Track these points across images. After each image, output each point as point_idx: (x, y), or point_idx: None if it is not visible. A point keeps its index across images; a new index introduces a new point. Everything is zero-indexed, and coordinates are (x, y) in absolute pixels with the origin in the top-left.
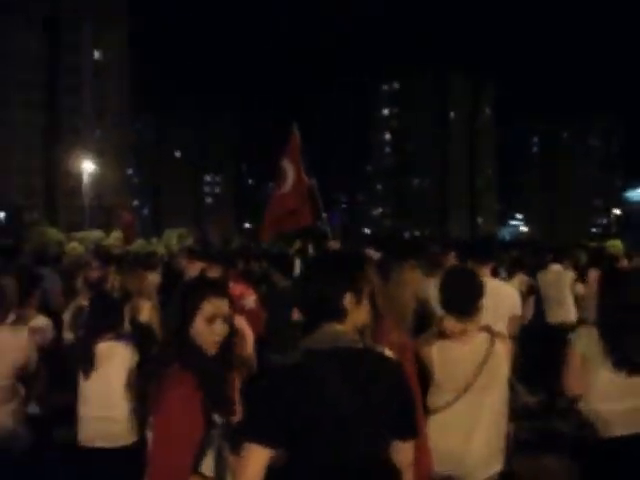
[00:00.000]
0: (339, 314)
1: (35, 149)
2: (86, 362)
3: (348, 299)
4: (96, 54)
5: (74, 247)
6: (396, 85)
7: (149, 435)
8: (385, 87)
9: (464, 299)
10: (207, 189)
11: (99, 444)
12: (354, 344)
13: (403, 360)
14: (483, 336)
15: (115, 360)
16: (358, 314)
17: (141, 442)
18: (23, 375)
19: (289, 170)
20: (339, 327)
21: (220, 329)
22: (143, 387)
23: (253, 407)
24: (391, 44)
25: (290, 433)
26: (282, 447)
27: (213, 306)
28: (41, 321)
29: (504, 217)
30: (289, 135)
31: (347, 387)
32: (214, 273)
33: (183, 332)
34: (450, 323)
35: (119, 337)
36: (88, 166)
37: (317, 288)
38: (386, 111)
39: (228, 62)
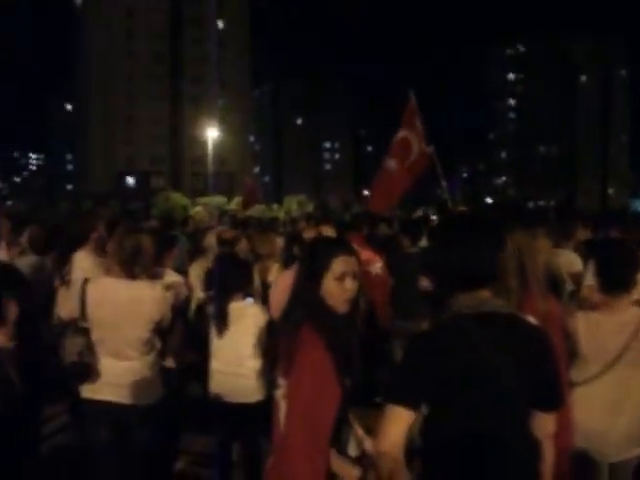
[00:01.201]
0: (488, 279)
1: (161, 118)
2: (219, 321)
3: (498, 263)
4: (220, 24)
5: (198, 212)
6: (521, 49)
7: (278, 394)
8: (510, 51)
9: (622, 272)
10: (326, 155)
11: (228, 399)
12: (502, 309)
13: (549, 329)
14: (635, 310)
15: (246, 319)
16: (506, 279)
17: (269, 400)
18: (160, 330)
19: (412, 140)
20: (486, 292)
21: (351, 286)
22: (272, 347)
23: (399, 369)
24: (516, 7)
25: (434, 396)
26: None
27: (343, 263)
28: (175, 279)
29: (638, 188)
30: (407, 103)
31: (496, 352)
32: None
33: (312, 292)
34: (600, 295)
35: (250, 297)
36: (212, 134)
37: (464, 253)
38: (511, 76)
39: (347, 28)
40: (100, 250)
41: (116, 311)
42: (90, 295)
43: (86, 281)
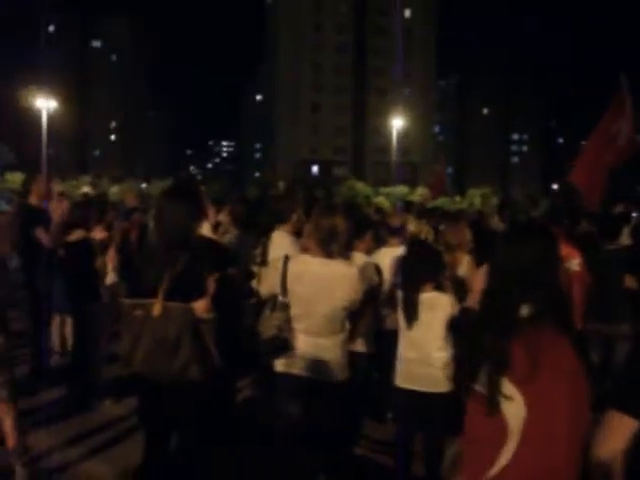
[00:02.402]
0: None
1: (345, 108)
2: (409, 310)
3: None
4: (406, 13)
5: (381, 201)
6: None
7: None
8: None
9: None
10: (514, 147)
11: (416, 387)
12: None
13: None
14: None
15: (437, 310)
16: None
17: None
18: (351, 311)
19: (620, 127)
20: None
21: None
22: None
23: (626, 374)
24: None
25: None
26: None
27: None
28: (365, 264)
29: None
30: (616, 91)
31: None
32: None
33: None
34: None
35: (440, 288)
36: (396, 123)
37: None
38: None
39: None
40: (297, 230)
41: (313, 288)
42: (291, 271)
43: (287, 258)
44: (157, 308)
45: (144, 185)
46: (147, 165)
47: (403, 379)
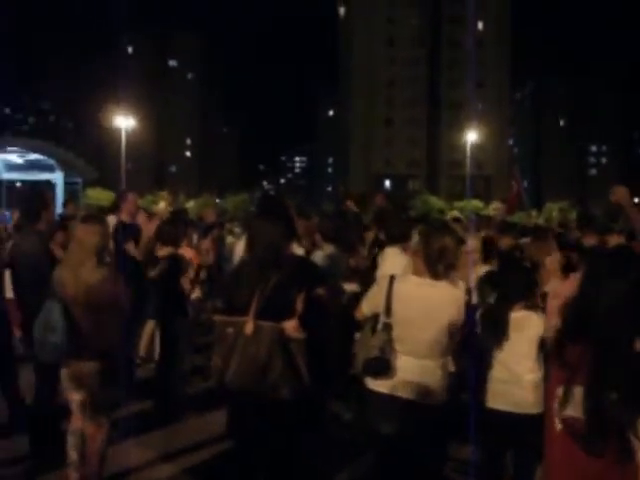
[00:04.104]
0: None
1: (418, 122)
2: (498, 329)
3: None
4: (479, 25)
5: (454, 215)
6: None
7: None
8: None
9: None
10: (592, 160)
11: (503, 407)
12: None
13: None
14: None
15: (528, 330)
16: None
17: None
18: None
19: None
20: None
21: None
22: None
23: None
24: None
25: None
26: None
27: None
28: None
29: None
30: None
31: None
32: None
33: None
34: None
35: (531, 307)
36: (470, 137)
37: None
38: None
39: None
40: (411, 249)
41: (419, 310)
42: (396, 292)
43: (393, 278)
44: (249, 327)
45: (218, 200)
46: (221, 180)
47: (493, 400)
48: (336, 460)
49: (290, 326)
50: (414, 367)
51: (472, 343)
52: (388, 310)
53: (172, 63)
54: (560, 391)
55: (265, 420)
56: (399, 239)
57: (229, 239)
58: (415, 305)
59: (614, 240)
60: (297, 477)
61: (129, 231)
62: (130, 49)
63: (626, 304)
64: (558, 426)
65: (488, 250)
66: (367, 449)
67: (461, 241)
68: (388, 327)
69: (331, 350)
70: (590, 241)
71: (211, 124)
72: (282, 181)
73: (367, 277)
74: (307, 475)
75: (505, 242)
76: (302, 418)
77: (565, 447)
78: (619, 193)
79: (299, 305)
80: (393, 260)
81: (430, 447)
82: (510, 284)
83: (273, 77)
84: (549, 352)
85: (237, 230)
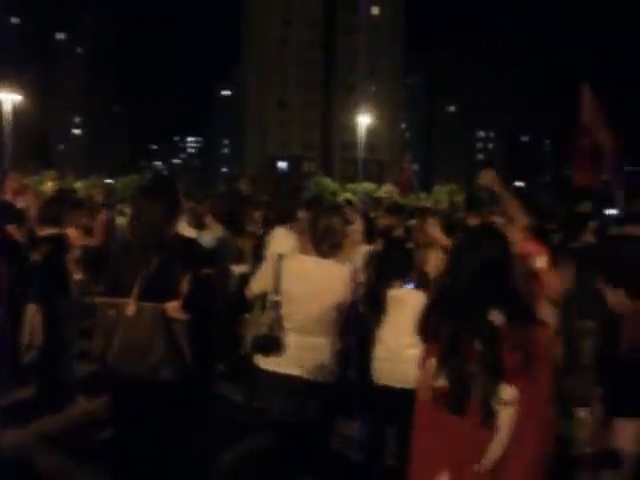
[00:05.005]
0: None
1: (314, 104)
2: (378, 307)
3: None
4: (374, 10)
5: (348, 197)
6: None
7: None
8: None
9: None
10: (480, 145)
11: (386, 383)
12: None
13: None
14: None
15: (407, 307)
16: None
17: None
18: (341, 310)
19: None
20: None
21: None
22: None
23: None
24: None
25: None
26: None
27: None
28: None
29: None
30: (581, 95)
31: None
32: None
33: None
34: None
35: (409, 284)
36: (363, 120)
37: None
38: None
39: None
40: (300, 229)
41: (306, 288)
42: (284, 270)
43: (281, 257)
44: (130, 308)
45: (108, 181)
46: (111, 161)
47: (376, 376)
48: (226, 441)
49: (172, 307)
50: (303, 344)
51: (356, 321)
52: (276, 288)
53: (60, 36)
54: (430, 363)
55: (146, 402)
56: (286, 219)
57: (119, 220)
58: (302, 283)
59: (495, 220)
60: (178, 458)
61: (9, 212)
62: (15, 20)
63: (480, 276)
64: (427, 395)
65: (371, 231)
66: (257, 429)
67: (348, 222)
68: (277, 305)
69: (219, 331)
70: (474, 222)
71: (101, 102)
72: (176, 162)
73: (256, 257)
74: (190, 456)
75: (384, 222)
76: (185, 399)
77: (433, 415)
78: (487, 177)
79: (183, 286)
80: (281, 240)
81: (319, 424)
82: (390, 263)
83: (167, 55)
84: (417, 326)
85: (127, 211)
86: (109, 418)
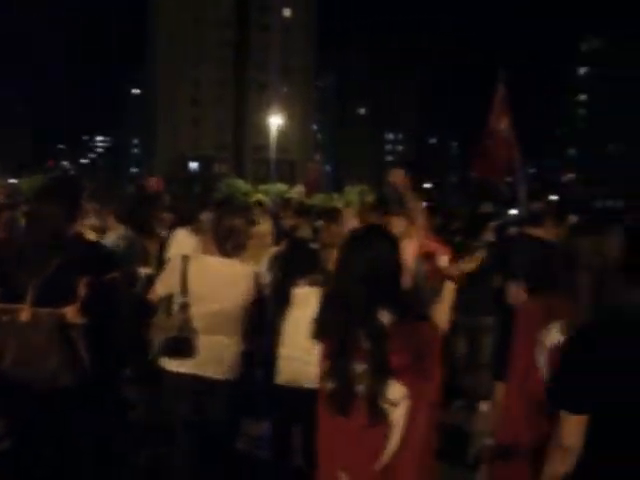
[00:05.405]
0: None
1: (226, 104)
2: (283, 306)
3: None
4: (286, 12)
5: (259, 198)
6: (596, 44)
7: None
8: (584, 45)
9: None
10: (388, 147)
11: (291, 383)
12: None
13: None
14: None
15: (310, 306)
16: None
17: None
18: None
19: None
20: None
21: None
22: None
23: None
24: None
25: (603, 404)
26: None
27: None
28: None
29: None
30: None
31: None
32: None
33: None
34: None
35: (314, 284)
36: (275, 121)
37: None
38: (583, 70)
39: (420, 20)
40: (202, 230)
41: (212, 287)
42: (190, 271)
43: (186, 257)
44: (25, 314)
45: (13, 181)
46: (16, 160)
47: (280, 376)
48: (134, 444)
49: (70, 312)
50: (210, 344)
51: (263, 320)
52: (184, 289)
53: None
54: (324, 364)
55: (45, 409)
56: (188, 220)
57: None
58: (208, 282)
59: (395, 221)
60: (79, 463)
61: None
62: None
63: (368, 276)
64: (323, 396)
65: (278, 232)
66: (163, 431)
67: (252, 223)
68: (185, 306)
69: (124, 334)
70: (379, 222)
71: (4, 99)
72: (84, 161)
73: (159, 260)
74: (92, 461)
75: (289, 222)
76: (86, 404)
77: (329, 416)
78: (396, 175)
79: (81, 289)
80: (182, 241)
81: (223, 423)
82: (294, 262)
83: (74, 52)
84: (311, 326)
85: None
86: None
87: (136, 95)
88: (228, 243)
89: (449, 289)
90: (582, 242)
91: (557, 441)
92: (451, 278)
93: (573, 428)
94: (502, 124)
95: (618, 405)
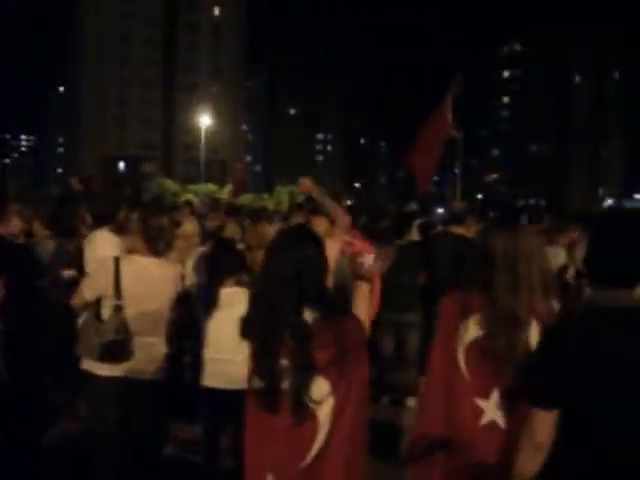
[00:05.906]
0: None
1: (153, 104)
2: (209, 307)
3: None
4: (216, 11)
5: (189, 198)
6: (518, 47)
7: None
8: (506, 49)
9: None
10: (319, 147)
11: (220, 385)
12: None
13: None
14: None
15: (237, 306)
16: None
17: None
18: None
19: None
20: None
21: None
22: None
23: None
24: (514, 5)
25: (573, 400)
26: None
27: None
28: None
29: (631, 190)
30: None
31: None
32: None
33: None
34: None
35: (240, 284)
36: (204, 121)
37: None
38: (506, 73)
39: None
40: (121, 230)
41: (146, 288)
42: (124, 272)
43: (117, 258)
44: None
45: None
46: None
47: (208, 377)
48: (57, 451)
49: None
50: (142, 345)
51: (190, 322)
52: (118, 291)
53: None
54: (251, 363)
55: None
56: (105, 220)
57: None
58: (142, 283)
59: (317, 221)
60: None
61: None
62: None
63: (292, 276)
64: (250, 395)
65: (204, 232)
66: (90, 435)
67: (177, 223)
68: (119, 308)
69: (48, 339)
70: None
71: None
72: (7, 161)
73: (81, 261)
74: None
75: (215, 223)
76: (9, 412)
77: (256, 416)
78: (304, 185)
79: None
80: (102, 242)
81: (153, 426)
82: (220, 263)
83: None
84: (239, 326)
85: None
86: None
87: (61, 94)
88: (159, 242)
89: (362, 289)
90: (496, 238)
91: (528, 437)
92: (363, 278)
93: (544, 424)
94: (446, 123)
95: (588, 402)
